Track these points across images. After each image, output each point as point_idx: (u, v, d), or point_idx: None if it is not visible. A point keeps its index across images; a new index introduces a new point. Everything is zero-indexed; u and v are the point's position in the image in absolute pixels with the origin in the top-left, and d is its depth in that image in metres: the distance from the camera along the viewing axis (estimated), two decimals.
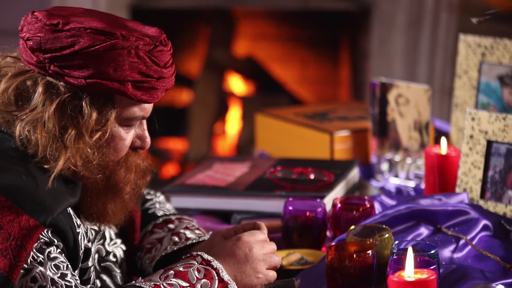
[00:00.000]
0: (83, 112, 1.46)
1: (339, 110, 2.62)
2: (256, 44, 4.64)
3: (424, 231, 1.78)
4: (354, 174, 2.18)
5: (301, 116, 2.55)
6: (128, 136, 1.53)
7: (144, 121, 1.57)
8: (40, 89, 1.46)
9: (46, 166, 1.46)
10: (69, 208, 1.49)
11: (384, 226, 1.68)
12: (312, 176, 2.06)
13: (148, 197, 1.83)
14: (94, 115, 1.46)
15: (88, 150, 1.47)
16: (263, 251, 1.56)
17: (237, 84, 4.66)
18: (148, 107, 1.54)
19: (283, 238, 1.86)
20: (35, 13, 1.49)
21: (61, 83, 1.46)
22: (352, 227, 1.69)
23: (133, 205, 1.62)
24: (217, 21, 4.58)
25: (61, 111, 1.45)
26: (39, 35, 1.46)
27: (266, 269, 1.56)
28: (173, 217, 1.78)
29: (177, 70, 1.54)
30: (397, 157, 2.27)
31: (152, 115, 1.58)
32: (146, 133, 1.57)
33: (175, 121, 4.58)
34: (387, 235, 1.65)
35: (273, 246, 1.59)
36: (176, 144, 4.63)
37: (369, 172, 2.32)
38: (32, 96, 1.47)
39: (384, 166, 2.29)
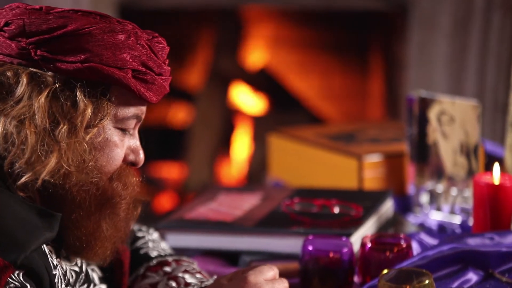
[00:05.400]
0: (77, 104, 1.50)
1: (370, 130, 2.63)
2: (270, 51, 4.67)
3: (472, 276, 1.78)
4: (388, 207, 2.19)
5: (324, 137, 2.56)
6: (122, 144, 1.57)
7: (137, 133, 1.61)
8: (24, 79, 1.49)
9: (28, 175, 1.48)
10: (44, 245, 1.50)
11: (423, 271, 1.68)
12: (336, 210, 2.06)
13: (140, 234, 1.84)
14: (90, 108, 1.50)
15: (85, 146, 1.50)
16: None
17: (246, 99, 4.68)
18: (144, 108, 1.59)
19: (302, 284, 1.86)
20: (7, 5, 1.53)
21: (49, 72, 1.50)
22: (385, 271, 1.69)
23: (128, 230, 1.64)
24: (223, 23, 4.61)
25: (52, 103, 1.49)
26: (21, 17, 1.50)
27: None
28: (169, 259, 1.79)
29: (173, 82, 1.57)
30: (440, 187, 2.27)
31: (140, 135, 1.61)
32: (139, 146, 1.61)
33: (171, 144, 4.60)
34: (427, 281, 1.65)
35: (284, 284, 1.60)
36: (172, 171, 4.64)
37: (405, 205, 2.33)
38: (15, 88, 1.50)
39: (424, 198, 2.29)
